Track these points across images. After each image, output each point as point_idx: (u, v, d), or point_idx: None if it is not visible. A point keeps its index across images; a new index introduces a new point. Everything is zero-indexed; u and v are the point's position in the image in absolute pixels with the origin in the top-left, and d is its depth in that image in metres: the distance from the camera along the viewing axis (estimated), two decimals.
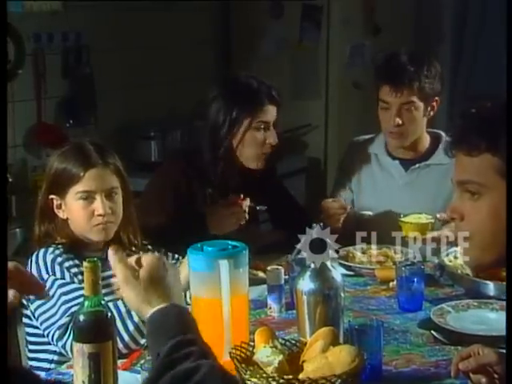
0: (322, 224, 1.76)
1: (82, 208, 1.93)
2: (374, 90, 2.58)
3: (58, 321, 1.82)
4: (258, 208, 2.45)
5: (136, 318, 1.78)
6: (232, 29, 4.38)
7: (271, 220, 2.70)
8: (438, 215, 2.40)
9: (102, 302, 1.41)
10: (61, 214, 1.96)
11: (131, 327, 1.78)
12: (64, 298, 1.84)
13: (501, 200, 1.35)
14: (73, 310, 1.79)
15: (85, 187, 1.92)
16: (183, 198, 2.42)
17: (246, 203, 2.36)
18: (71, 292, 1.83)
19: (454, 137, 1.47)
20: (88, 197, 1.93)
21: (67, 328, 1.78)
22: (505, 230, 1.34)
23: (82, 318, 1.40)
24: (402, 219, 2.43)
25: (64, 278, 1.87)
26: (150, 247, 2.11)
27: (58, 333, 1.80)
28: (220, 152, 2.41)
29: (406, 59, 2.51)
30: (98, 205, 1.92)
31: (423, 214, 2.43)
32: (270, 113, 2.42)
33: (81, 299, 1.72)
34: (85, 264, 1.39)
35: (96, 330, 1.39)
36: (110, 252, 1.35)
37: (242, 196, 2.36)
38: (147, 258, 1.35)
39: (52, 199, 1.95)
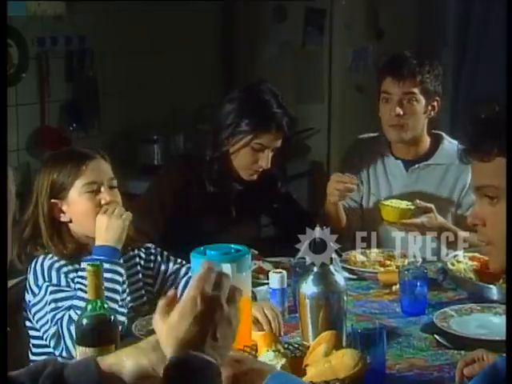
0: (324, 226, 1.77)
1: (89, 200, 1.91)
2: (377, 84, 2.60)
3: (49, 329, 1.82)
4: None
5: None
6: (235, 32, 4.38)
7: (274, 224, 2.70)
8: (417, 201, 2.41)
9: (105, 306, 1.41)
10: (63, 218, 1.94)
11: None
12: (53, 305, 1.83)
13: None
14: (56, 319, 1.80)
15: (89, 178, 1.91)
16: (182, 200, 2.42)
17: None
18: (60, 300, 1.83)
19: (466, 144, 1.46)
20: (93, 189, 1.92)
21: (60, 338, 1.79)
22: None
23: (84, 321, 1.40)
24: (383, 202, 2.43)
25: (59, 285, 1.86)
26: (152, 249, 2.11)
27: (53, 341, 1.81)
28: (217, 152, 2.42)
29: (409, 55, 2.57)
30: (105, 193, 1.92)
31: (404, 201, 2.43)
32: (272, 139, 2.39)
33: (65, 310, 1.73)
34: (87, 268, 1.39)
35: (98, 333, 1.39)
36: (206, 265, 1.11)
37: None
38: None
39: (55, 203, 1.93)
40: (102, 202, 1.92)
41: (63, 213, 1.94)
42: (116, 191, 1.97)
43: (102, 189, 1.93)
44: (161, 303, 1.11)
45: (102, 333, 1.39)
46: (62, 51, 3.49)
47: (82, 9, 3.49)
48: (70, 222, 1.94)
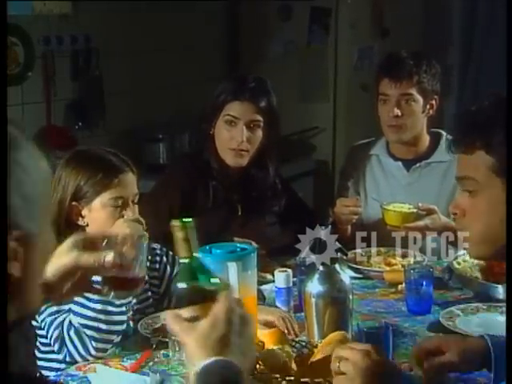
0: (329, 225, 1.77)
1: (111, 213, 1.90)
2: (375, 85, 2.60)
3: (53, 332, 1.81)
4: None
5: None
6: (240, 31, 4.38)
7: (279, 222, 2.70)
8: (420, 204, 2.40)
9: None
10: (80, 222, 1.92)
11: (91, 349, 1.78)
12: (50, 309, 1.82)
13: (495, 197, 1.39)
14: (57, 323, 1.79)
15: (117, 193, 1.90)
16: (188, 199, 2.43)
17: None
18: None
19: (452, 135, 1.51)
20: (118, 204, 1.91)
21: (62, 342, 1.78)
22: (499, 225, 1.37)
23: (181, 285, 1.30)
24: (385, 206, 2.42)
25: None
26: (158, 250, 2.11)
27: (57, 345, 1.81)
28: (206, 141, 2.44)
29: (406, 55, 2.57)
30: (129, 211, 1.92)
31: (406, 204, 2.42)
32: (243, 110, 2.39)
33: (66, 313, 1.72)
34: (174, 223, 1.30)
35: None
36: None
37: None
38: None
39: (75, 206, 1.91)
40: (125, 217, 1.92)
41: (82, 217, 1.92)
42: (136, 206, 1.96)
43: (128, 203, 1.92)
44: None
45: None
46: (67, 50, 3.49)
47: (87, 8, 3.49)
48: (87, 225, 1.93)
